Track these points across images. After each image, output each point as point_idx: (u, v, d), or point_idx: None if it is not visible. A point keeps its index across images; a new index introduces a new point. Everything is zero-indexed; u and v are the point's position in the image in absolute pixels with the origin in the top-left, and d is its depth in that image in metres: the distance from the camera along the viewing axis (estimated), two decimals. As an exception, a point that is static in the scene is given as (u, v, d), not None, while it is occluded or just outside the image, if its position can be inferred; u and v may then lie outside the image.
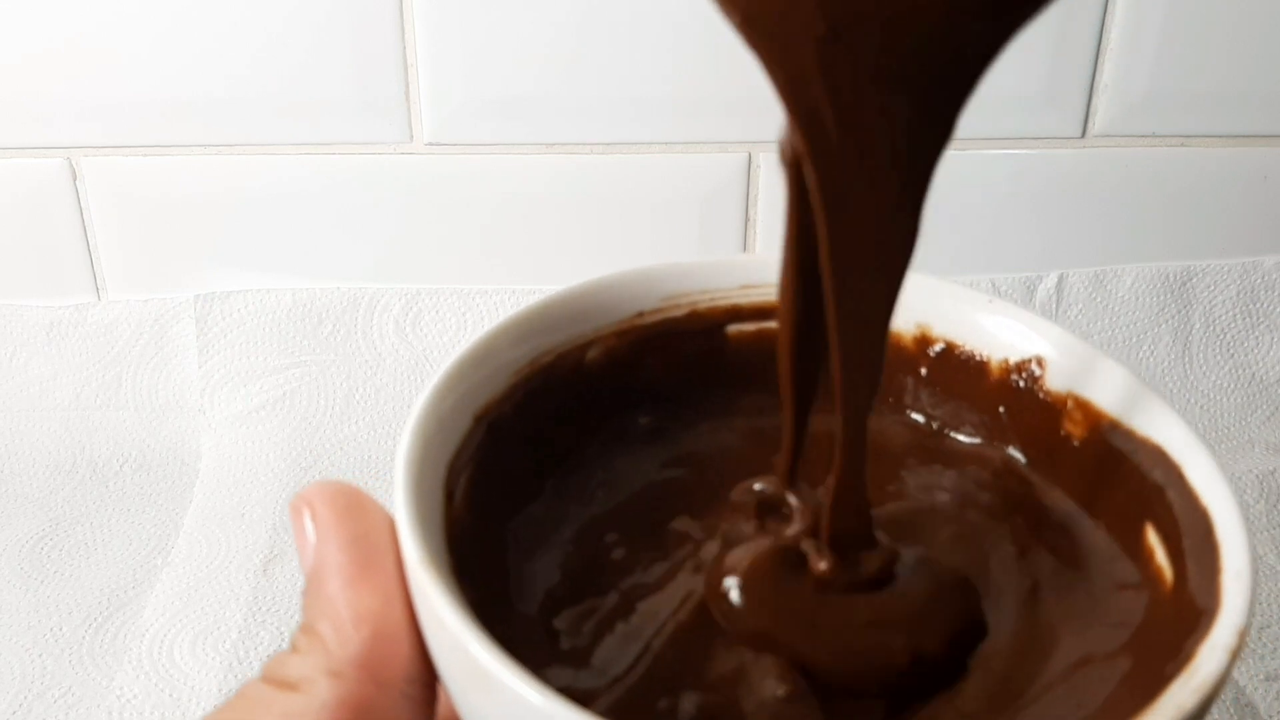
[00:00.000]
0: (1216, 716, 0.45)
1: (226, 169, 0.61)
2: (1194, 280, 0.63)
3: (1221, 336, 0.63)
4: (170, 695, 0.47)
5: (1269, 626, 0.50)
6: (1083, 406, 0.26)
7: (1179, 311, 0.63)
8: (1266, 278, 0.63)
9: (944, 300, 0.28)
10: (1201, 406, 0.62)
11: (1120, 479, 0.25)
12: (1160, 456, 0.24)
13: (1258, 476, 0.58)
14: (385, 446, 0.61)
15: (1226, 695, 0.46)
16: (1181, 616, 0.22)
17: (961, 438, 0.29)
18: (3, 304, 0.63)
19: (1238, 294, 0.63)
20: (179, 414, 0.63)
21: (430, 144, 0.60)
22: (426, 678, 0.22)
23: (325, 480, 0.23)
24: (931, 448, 0.28)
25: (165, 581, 0.53)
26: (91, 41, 0.58)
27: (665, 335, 0.29)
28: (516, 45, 0.58)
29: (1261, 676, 0.47)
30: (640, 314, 0.28)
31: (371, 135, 0.60)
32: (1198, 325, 0.63)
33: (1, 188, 0.61)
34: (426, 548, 0.21)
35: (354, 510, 0.23)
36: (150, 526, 0.57)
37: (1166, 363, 0.63)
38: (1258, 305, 0.63)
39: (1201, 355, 0.63)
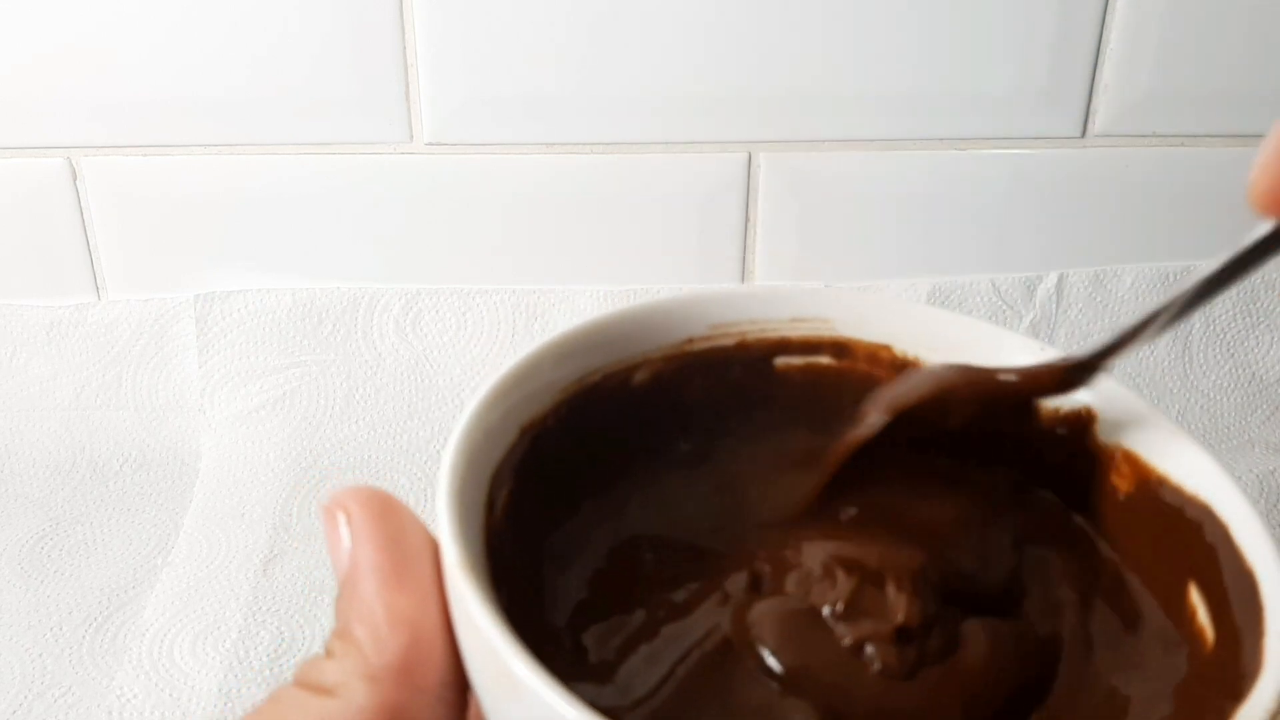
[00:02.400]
0: None
1: (226, 169, 0.61)
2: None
3: (1221, 336, 0.63)
4: (170, 695, 0.47)
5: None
6: (1130, 460, 0.26)
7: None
8: (1266, 278, 0.63)
9: (994, 344, 0.28)
10: (1201, 406, 0.62)
11: (1165, 535, 0.25)
12: (1207, 514, 0.24)
13: (1258, 476, 0.58)
14: (385, 446, 0.61)
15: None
16: (1223, 678, 0.22)
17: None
18: (3, 304, 0.63)
19: (1238, 294, 0.63)
20: (179, 414, 0.63)
21: (430, 144, 0.60)
22: (460, 682, 0.22)
23: (358, 485, 0.23)
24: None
25: (165, 581, 0.53)
26: (91, 41, 0.58)
27: (713, 363, 0.29)
28: (517, 45, 0.58)
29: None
30: (689, 340, 0.28)
31: (371, 135, 0.60)
32: (1198, 325, 0.63)
33: (1, 188, 0.61)
34: (466, 552, 0.21)
35: (389, 514, 0.23)
36: (150, 526, 0.58)
37: (1166, 363, 0.63)
38: (1258, 305, 0.63)
39: (1201, 355, 0.63)
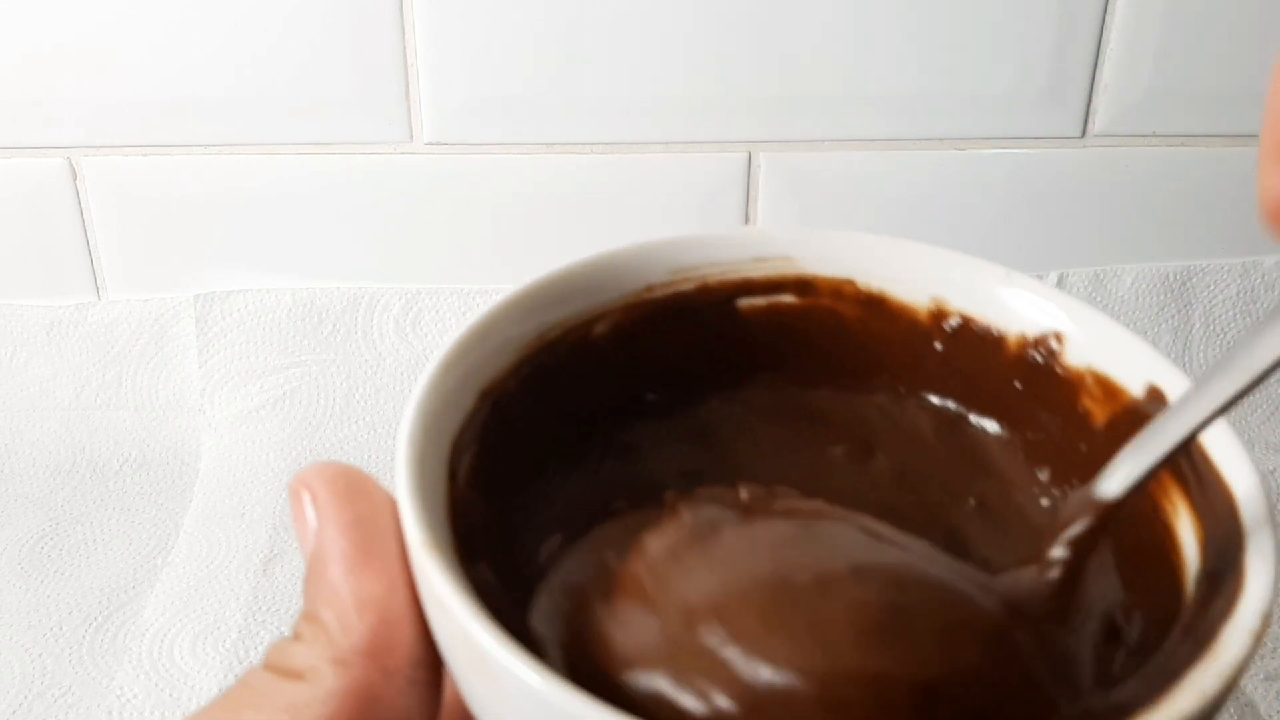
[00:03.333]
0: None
1: (226, 169, 0.61)
2: (1194, 280, 0.63)
3: (1221, 336, 0.63)
4: (170, 695, 0.47)
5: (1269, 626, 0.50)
6: (1102, 383, 0.26)
7: (1179, 311, 0.63)
8: (1266, 278, 0.63)
9: (960, 273, 0.28)
10: (1201, 406, 0.62)
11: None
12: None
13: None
14: (385, 446, 0.61)
15: (1226, 695, 0.46)
16: (1206, 596, 0.21)
17: (984, 424, 0.28)
18: (3, 304, 0.63)
19: (1238, 294, 0.63)
20: (179, 414, 0.63)
21: (430, 144, 0.60)
22: (432, 661, 0.22)
23: (325, 461, 0.23)
24: (960, 444, 0.28)
25: (165, 581, 0.53)
26: (91, 41, 0.58)
27: (675, 309, 0.28)
28: (517, 45, 0.58)
29: (1261, 676, 0.47)
30: (649, 288, 0.28)
31: (371, 135, 0.60)
32: (1198, 325, 0.63)
33: (1, 188, 0.61)
34: (428, 529, 0.21)
35: (355, 492, 0.22)
36: (150, 526, 0.58)
37: (1166, 363, 0.63)
38: (1258, 305, 0.63)
39: (1201, 355, 0.63)
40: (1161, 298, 0.63)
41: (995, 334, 0.27)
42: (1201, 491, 0.23)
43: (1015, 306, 0.27)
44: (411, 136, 0.60)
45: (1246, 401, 0.63)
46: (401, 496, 0.22)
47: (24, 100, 0.59)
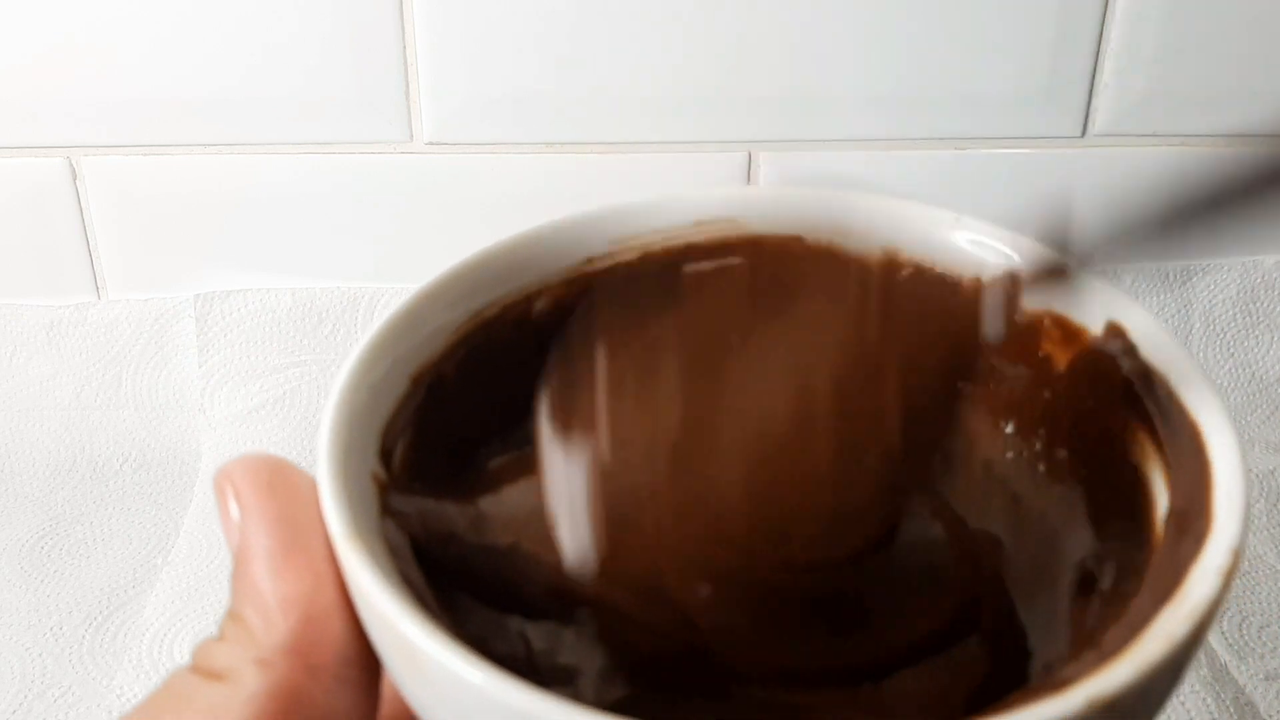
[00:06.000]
0: (1217, 716, 0.45)
1: (226, 169, 0.61)
2: (1194, 280, 0.63)
3: (1221, 336, 0.63)
4: (170, 695, 0.47)
5: (1269, 626, 0.50)
6: (1061, 324, 0.25)
7: (1179, 311, 0.63)
8: (1266, 277, 0.63)
9: (910, 221, 0.27)
10: (1201, 406, 0.62)
11: (1104, 395, 0.24)
12: (1145, 369, 0.23)
13: (1258, 476, 0.58)
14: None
15: (1226, 694, 0.46)
16: (1172, 536, 0.21)
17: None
18: (3, 304, 0.63)
19: (1238, 293, 0.63)
20: (179, 414, 0.63)
21: (430, 144, 0.60)
22: (364, 658, 0.21)
23: (249, 454, 0.22)
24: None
25: (165, 580, 0.53)
26: (91, 41, 0.58)
27: (617, 280, 0.27)
28: (517, 44, 0.58)
29: (1261, 676, 0.47)
30: (589, 260, 0.27)
31: (371, 135, 0.60)
32: (1198, 325, 0.63)
33: (1, 188, 0.61)
34: (351, 520, 0.20)
35: (279, 485, 0.21)
36: (150, 526, 0.57)
37: (1166, 362, 0.63)
38: (1258, 305, 0.63)
39: (1201, 355, 0.63)
40: (1161, 297, 0.63)
41: (950, 281, 0.27)
42: (1168, 430, 0.22)
43: (968, 250, 0.26)
44: (411, 136, 0.60)
45: (1246, 403, 0.64)
46: (323, 487, 0.21)
47: (24, 100, 0.59)
